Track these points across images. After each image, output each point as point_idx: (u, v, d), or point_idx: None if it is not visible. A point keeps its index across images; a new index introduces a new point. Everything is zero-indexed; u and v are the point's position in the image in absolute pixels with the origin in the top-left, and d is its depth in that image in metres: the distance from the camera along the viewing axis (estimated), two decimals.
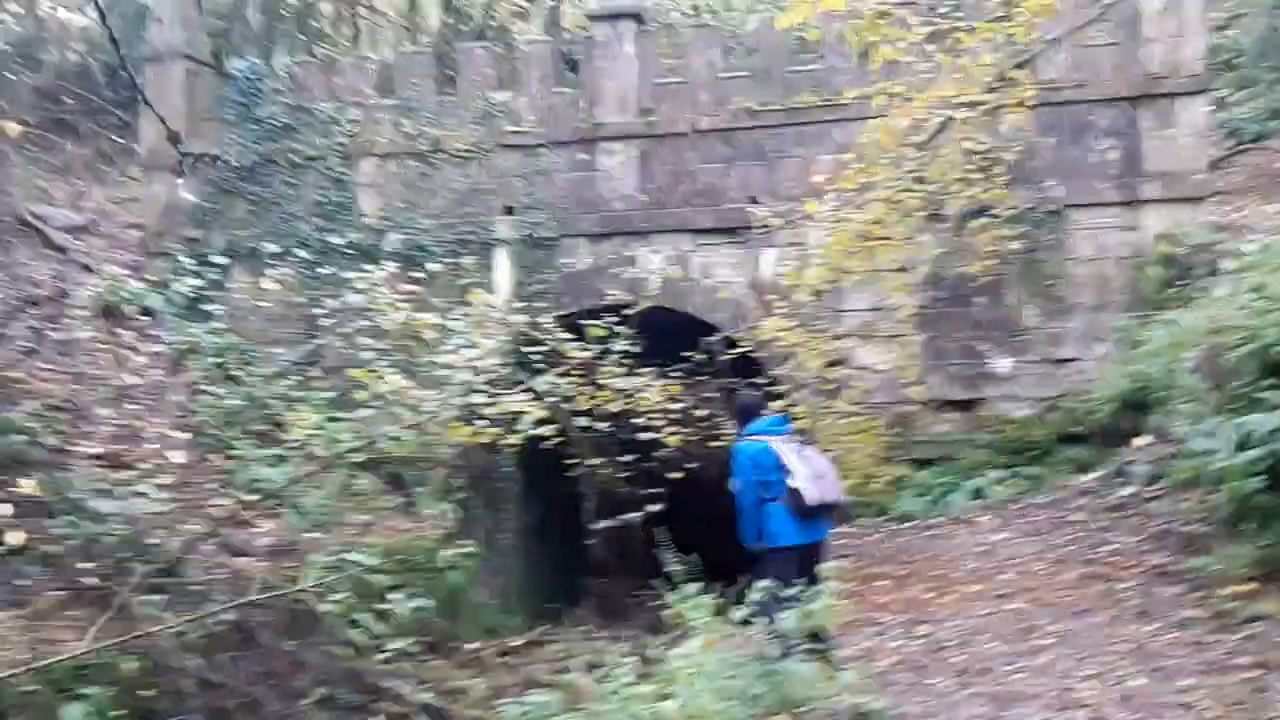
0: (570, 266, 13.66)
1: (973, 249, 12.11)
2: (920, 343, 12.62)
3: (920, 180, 8.29)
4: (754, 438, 6.58)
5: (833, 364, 12.47)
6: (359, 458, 12.69)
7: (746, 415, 6.84)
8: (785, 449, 6.36)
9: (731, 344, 9.24)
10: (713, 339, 9.22)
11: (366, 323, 8.98)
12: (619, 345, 8.36)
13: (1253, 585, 6.44)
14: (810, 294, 8.62)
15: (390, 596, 12.15)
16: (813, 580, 6.48)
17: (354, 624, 11.18)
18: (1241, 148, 16.70)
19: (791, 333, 8.73)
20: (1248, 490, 7.07)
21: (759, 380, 9.29)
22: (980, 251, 11.33)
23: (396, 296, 8.41)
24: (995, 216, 11.20)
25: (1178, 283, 11.42)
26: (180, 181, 14.04)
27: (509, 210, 13.84)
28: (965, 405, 12.53)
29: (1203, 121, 12.35)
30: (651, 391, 8.60)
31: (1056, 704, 5.12)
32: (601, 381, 8.21)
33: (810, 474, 6.28)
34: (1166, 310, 10.96)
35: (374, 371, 8.40)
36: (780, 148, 12.98)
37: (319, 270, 13.51)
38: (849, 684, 4.88)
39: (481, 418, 8.82)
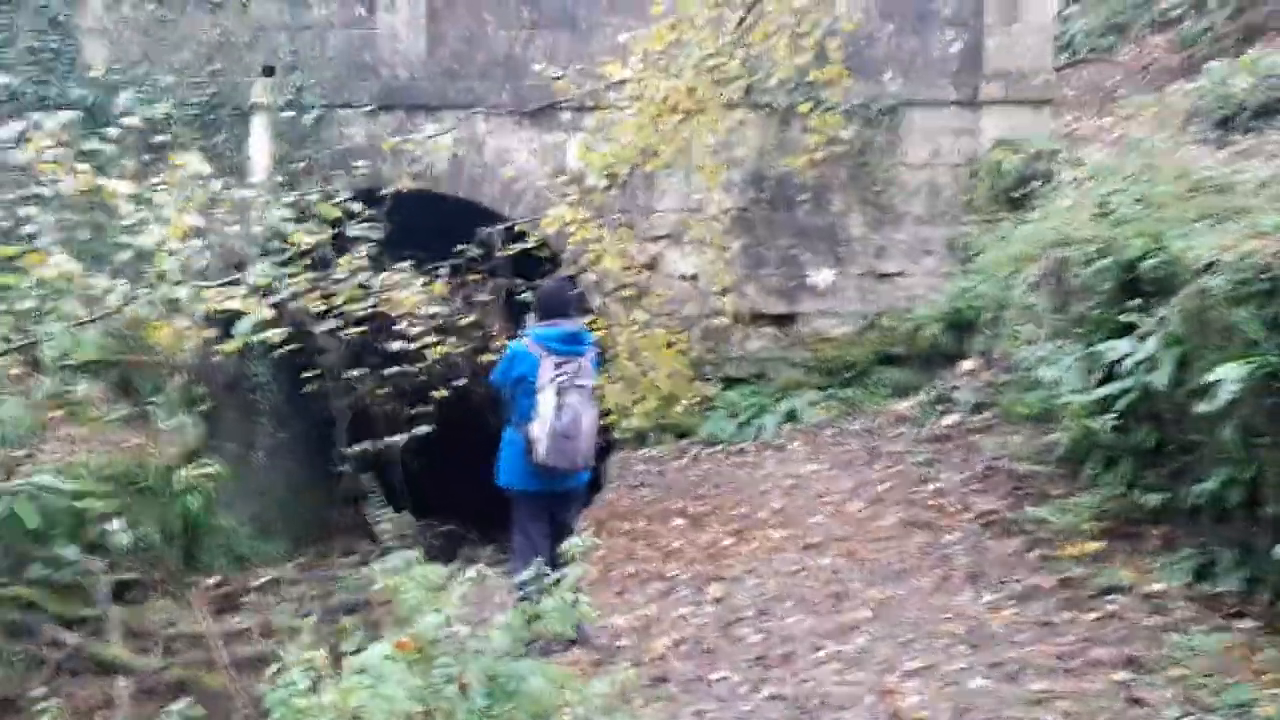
0: (342, 142, 11.64)
1: (799, 145, 10.86)
2: (737, 249, 11.33)
3: (741, 46, 6.81)
4: (529, 343, 5.07)
5: (643, 268, 11.09)
6: (72, 360, 10.63)
7: (544, 310, 5.31)
8: (549, 371, 4.86)
9: (516, 238, 7.65)
10: (490, 230, 7.61)
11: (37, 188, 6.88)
12: (355, 230, 6.64)
13: (1099, 544, 5.44)
14: (605, 178, 7.09)
15: (108, 527, 10.25)
16: (563, 533, 5.10)
17: (47, 561, 9.25)
18: (1075, 60, 16.02)
19: (585, 226, 7.23)
20: (1095, 429, 6.07)
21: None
22: (807, 147, 10.04)
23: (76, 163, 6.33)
24: (829, 108, 9.90)
25: (1014, 193, 10.46)
26: None
27: (269, 71, 11.65)
28: (781, 320, 11.38)
29: (1050, 20, 11.36)
30: (408, 291, 6.93)
31: (874, 715, 3.90)
32: (337, 276, 6.51)
33: (556, 426, 4.87)
34: (1001, 222, 9.97)
35: (34, 251, 6.38)
36: (593, 15, 11.26)
37: None
38: (599, 695, 3.47)
39: (208, 317, 6.98)
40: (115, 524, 9.98)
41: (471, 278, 7.35)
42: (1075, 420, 6.23)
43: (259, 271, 6.11)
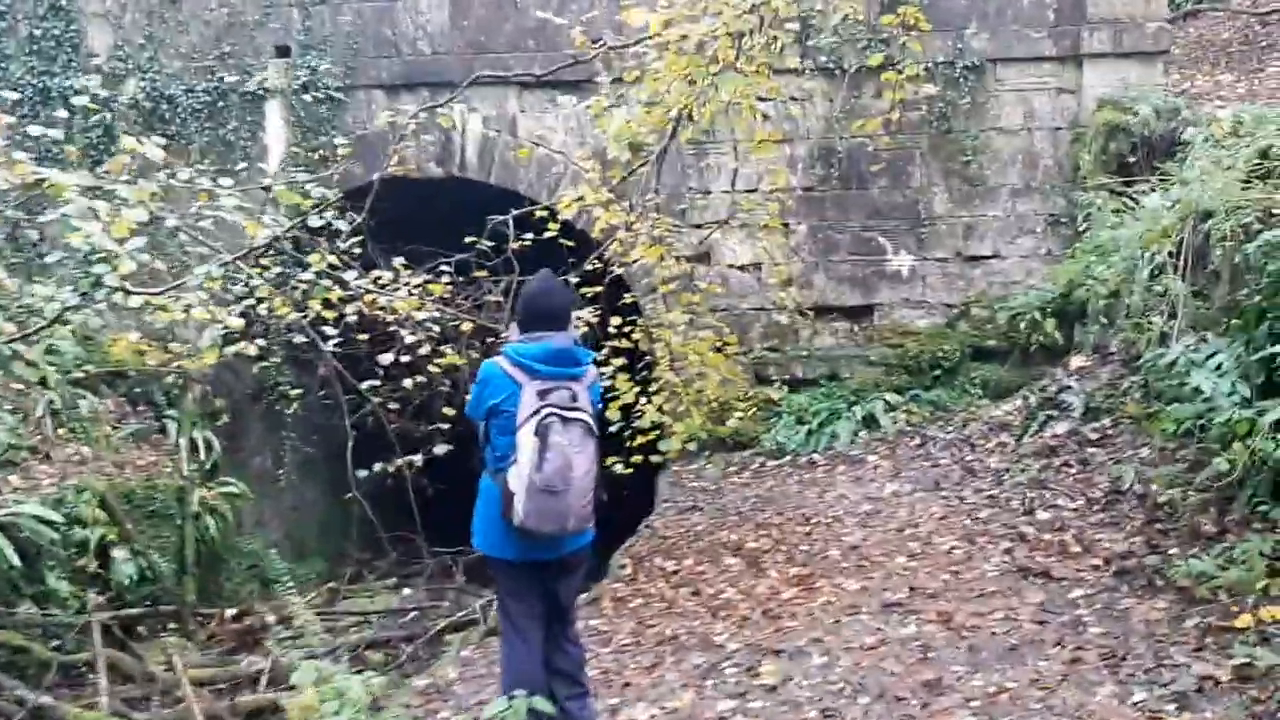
0: (363, 127, 10.57)
1: (872, 114, 9.48)
2: (803, 233, 9.99)
3: None
4: (505, 364, 3.79)
5: (693, 259, 9.82)
6: (77, 373, 9.76)
7: (526, 318, 3.95)
8: (530, 403, 3.58)
9: (538, 229, 6.44)
10: (501, 218, 6.42)
11: None
12: (320, 222, 5.51)
13: None
14: (628, 150, 5.82)
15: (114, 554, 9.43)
16: (561, 613, 3.87)
17: (36, 595, 8.39)
18: (1187, 11, 14.28)
19: (612, 211, 5.98)
20: (1266, 451, 4.65)
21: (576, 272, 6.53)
22: (881, 116, 8.68)
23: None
24: (901, 71, 8.48)
25: (1128, 159, 8.94)
26: None
27: (282, 52, 10.63)
28: (856, 313, 10.00)
29: None
30: (391, 294, 5.80)
31: None
32: (304, 277, 5.39)
33: (536, 478, 3.56)
34: (1115, 193, 8.48)
35: None
36: None
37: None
38: None
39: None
40: (119, 553, 9.12)
41: (480, 275, 6.18)
42: (1235, 438, 4.80)
43: (201, 273, 4.98)
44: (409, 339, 5.95)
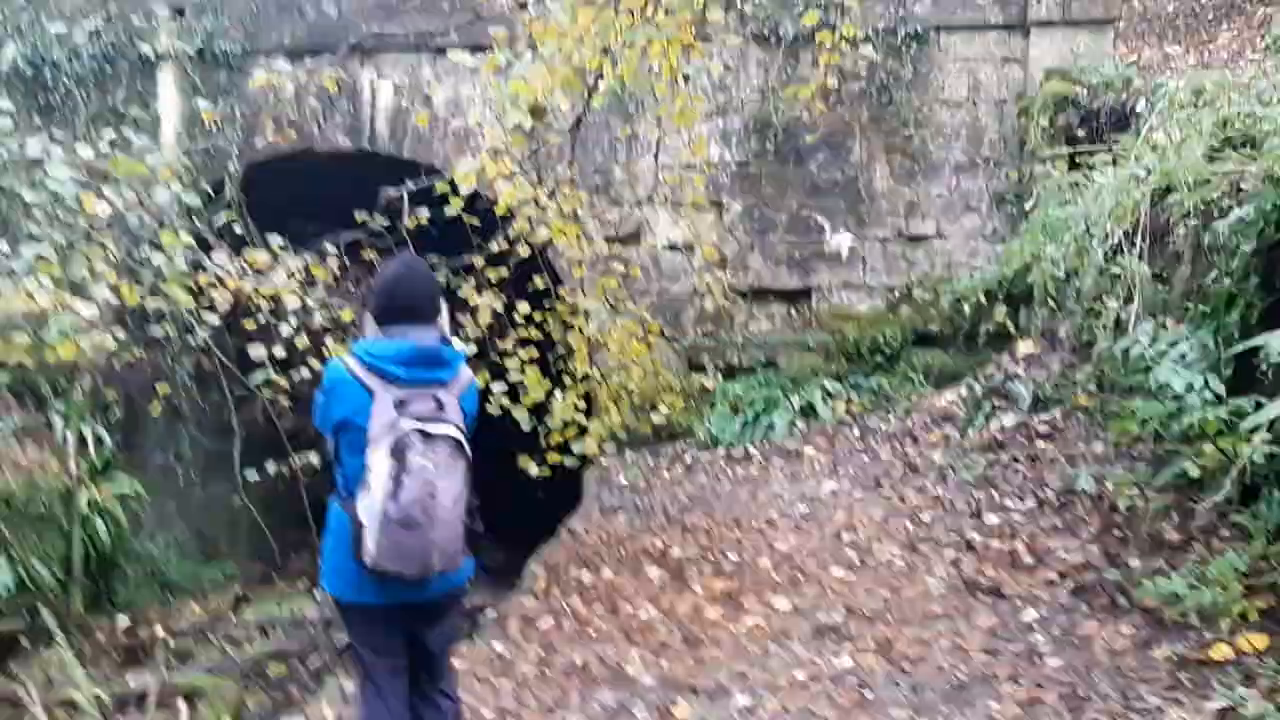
0: (266, 98, 9.75)
1: (811, 91, 8.92)
2: (737, 212, 9.42)
3: None
4: (355, 366, 3.09)
5: (622, 240, 9.20)
6: None
7: (382, 308, 3.23)
8: (385, 414, 2.93)
9: (439, 199, 5.74)
10: (397, 190, 5.73)
11: None
12: (162, 196, 4.80)
13: (1263, 637, 3.53)
14: (527, 115, 5.15)
15: None
16: (430, 663, 3.25)
17: None
18: None
19: (516, 184, 5.31)
20: (1234, 454, 4.17)
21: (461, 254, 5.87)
22: (819, 86, 8.12)
23: None
24: (844, 36, 7.92)
25: (1076, 132, 8.47)
26: None
27: (178, 12, 9.79)
28: (793, 296, 9.46)
29: None
30: (279, 279, 5.11)
31: None
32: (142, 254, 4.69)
33: (390, 508, 2.88)
34: (1064, 169, 8.01)
35: None
36: None
37: None
38: None
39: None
40: None
41: (369, 256, 5.50)
42: (1205, 438, 4.31)
43: (31, 255, 4.26)
44: (285, 330, 5.26)
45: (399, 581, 2.96)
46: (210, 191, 9.79)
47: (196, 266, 5.19)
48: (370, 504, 2.91)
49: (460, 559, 3.03)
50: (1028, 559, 4.91)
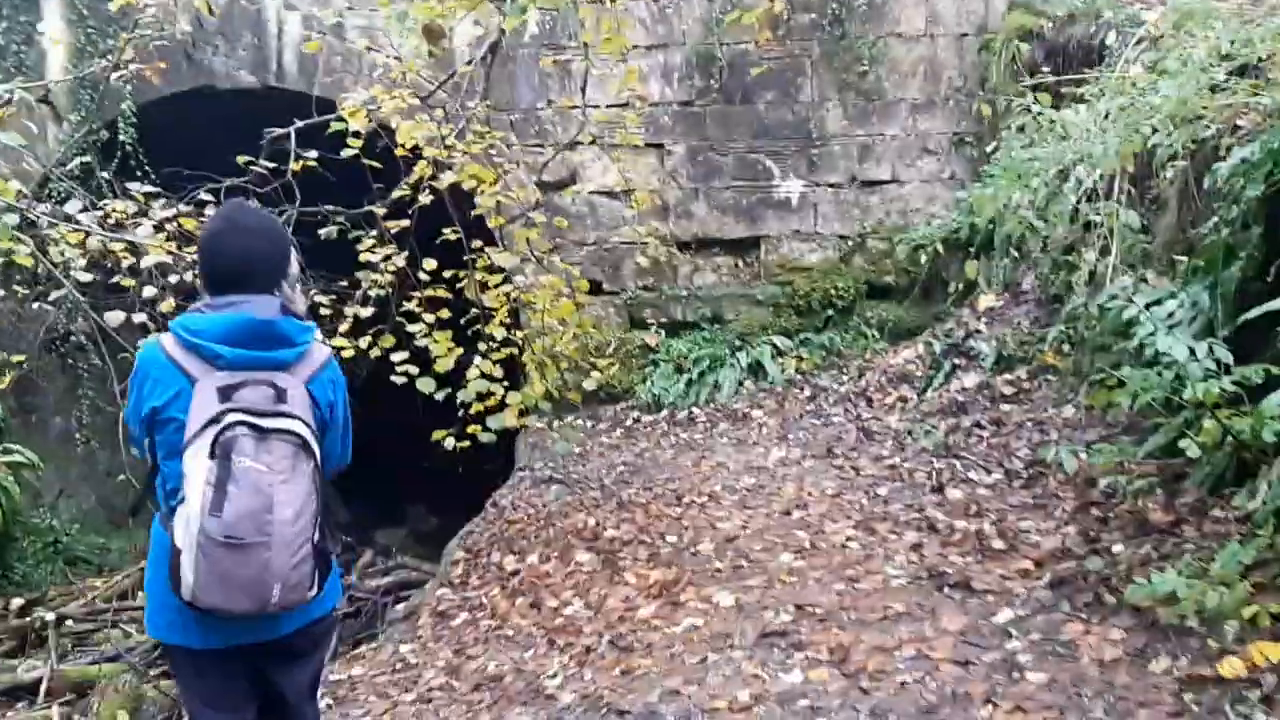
0: (162, 29, 8.84)
1: (757, 16, 8.23)
2: (680, 155, 8.74)
3: None
4: (171, 345, 2.44)
5: (554, 186, 8.48)
6: None
7: (208, 275, 2.58)
8: (208, 407, 2.30)
9: (337, 139, 5.01)
10: (283, 130, 4.99)
11: None
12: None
13: (1278, 647, 3.03)
14: (418, 36, 4.40)
15: None
16: (289, 716, 2.62)
17: None
18: None
19: (418, 120, 4.61)
20: (1235, 430, 3.65)
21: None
22: (766, 13, 7.43)
23: None
24: None
25: (1042, 68, 7.89)
26: None
27: None
28: (739, 246, 8.83)
29: None
30: (143, 231, 4.39)
31: None
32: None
33: (210, 525, 2.23)
34: (1029, 107, 7.42)
35: None
36: None
37: None
38: None
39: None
40: None
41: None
42: (1204, 409, 3.78)
43: None
44: (149, 291, 4.55)
45: (237, 619, 2.33)
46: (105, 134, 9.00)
47: (28, 221, 4.44)
48: (187, 520, 2.26)
49: (308, 590, 2.39)
50: (997, 543, 4.38)
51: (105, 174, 6.55)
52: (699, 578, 4.56)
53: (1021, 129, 7.19)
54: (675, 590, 4.46)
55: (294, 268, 2.64)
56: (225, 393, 2.33)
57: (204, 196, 4.93)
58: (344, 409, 2.60)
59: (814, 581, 4.29)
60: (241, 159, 5.04)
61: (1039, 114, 6.21)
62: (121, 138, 8.79)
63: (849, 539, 4.77)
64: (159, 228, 4.66)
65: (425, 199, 4.70)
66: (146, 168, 8.06)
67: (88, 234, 4.34)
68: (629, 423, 8.14)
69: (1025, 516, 4.65)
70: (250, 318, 2.42)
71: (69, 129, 9.01)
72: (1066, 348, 5.81)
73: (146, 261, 4.37)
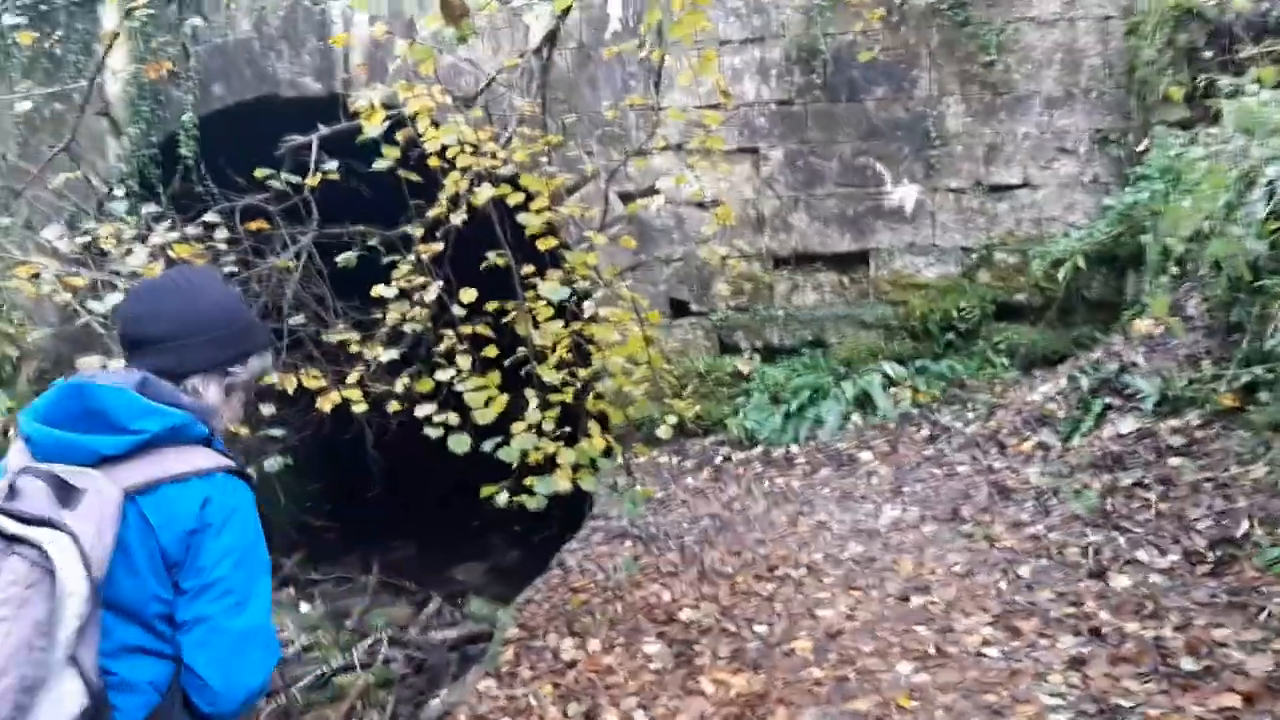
0: (221, 32, 8.34)
1: (865, 4, 7.26)
2: (777, 161, 7.80)
3: None
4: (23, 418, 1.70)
5: (640, 196, 7.61)
6: None
7: (124, 338, 1.87)
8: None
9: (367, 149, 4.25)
10: (304, 139, 4.26)
11: None
12: None
13: None
14: (448, 23, 3.61)
15: None
16: None
17: None
18: None
19: (451, 126, 3.82)
20: None
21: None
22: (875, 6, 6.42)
23: None
24: None
25: (1202, 53, 6.72)
26: None
27: None
28: (846, 261, 7.84)
29: None
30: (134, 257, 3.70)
31: None
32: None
33: None
34: (1236, 90, 6.24)
35: None
36: None
37: None
38: None
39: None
40: None
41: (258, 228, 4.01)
42: None
43: None
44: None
45: None
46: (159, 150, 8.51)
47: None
48: None
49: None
50: (1186, 661, 3.35)
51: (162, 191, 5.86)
52: (792, 692, 3.62)
53: (1217, 116, 6.04)
54: (761, 711, 3.53)
55: (232, 355, 1.88)
56: (66, 476, 1.64)
57: (210, 218, 4.21)
58: (232, 566, 1.75)
59: (943, 711, 3.31)
60: (259, 173, 4.30)
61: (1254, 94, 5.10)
62: (182, 150, 8.27)
63: (985, 642, 3.78)
64: (157, 255, 3.95)
65: (457, 219, 3.88)
66: (207, 182, 7.54)
67: (37, 274, 3.65)
68: (718, 460, 7.23)
69: (1219, 621, 3.58)
70: (69, 384, 1.73)
71: (128, 144, 8.55)
72: (1245, 390, 4.69)
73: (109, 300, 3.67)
